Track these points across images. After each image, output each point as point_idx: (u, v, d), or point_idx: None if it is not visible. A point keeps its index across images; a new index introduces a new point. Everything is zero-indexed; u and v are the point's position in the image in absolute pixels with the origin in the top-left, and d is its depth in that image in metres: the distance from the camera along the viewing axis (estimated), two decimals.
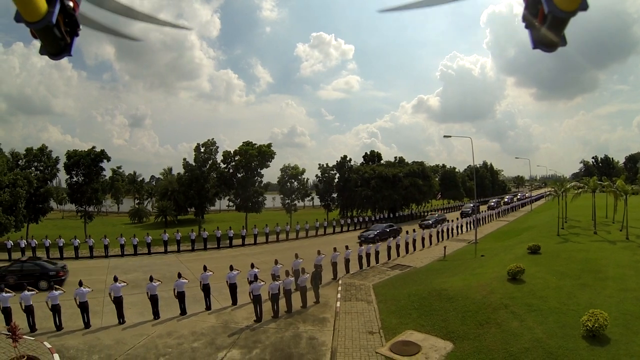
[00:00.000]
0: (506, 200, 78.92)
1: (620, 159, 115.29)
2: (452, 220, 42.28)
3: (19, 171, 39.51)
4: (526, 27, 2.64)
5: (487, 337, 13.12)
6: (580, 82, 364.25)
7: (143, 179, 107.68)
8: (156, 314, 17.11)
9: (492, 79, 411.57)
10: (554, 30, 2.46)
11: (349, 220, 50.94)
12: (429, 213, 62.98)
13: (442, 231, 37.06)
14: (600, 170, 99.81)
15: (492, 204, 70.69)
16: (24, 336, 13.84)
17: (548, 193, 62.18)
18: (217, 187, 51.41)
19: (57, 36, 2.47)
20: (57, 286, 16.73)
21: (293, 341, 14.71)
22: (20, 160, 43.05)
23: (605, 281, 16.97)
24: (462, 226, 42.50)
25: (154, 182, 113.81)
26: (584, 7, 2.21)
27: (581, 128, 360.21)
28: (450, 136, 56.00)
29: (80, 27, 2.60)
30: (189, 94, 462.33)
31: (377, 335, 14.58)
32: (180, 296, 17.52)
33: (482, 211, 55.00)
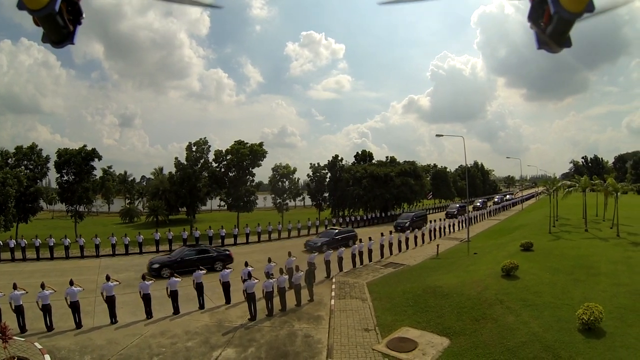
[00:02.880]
0: (478, 204, 64.89)
1: (609, 159, 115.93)
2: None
3: (8, 170, 38.94)
4: (531, 27, 2.64)
5: (484, 333, 13.12)
6: (570, 83, 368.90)
7: (134, 178, 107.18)
8: (149, 314, 16.92)
9: (483, 80, 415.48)
10: (559, 31, 2.47)
11: (340, 220, 50.86)
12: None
13: (435, 230, 37.16)
14: (590, 170, 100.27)
15: (453, 210, 57.39)
16: (14, 337, 13.61)
17: (540, 192, 62.01)
18: (208, 186, 51.12)
19: (60, 24, 2.48)
20: (49, 286, 16.48)
21: (288, 339, 14.61)
22: (10, 159, 42.46)
23: (598, 276, 17.09)
24: (453, 225, 42.62)
25: (144, 182, 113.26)
26: (591, 8, 2.23)
27: (571, 129, 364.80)
28: (442, 135, 56.35)
29: (84, 15, 2.60)
30: (179, 94, 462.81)
31: (373, 333, 14.52)
32: (173, 295, 17.34)
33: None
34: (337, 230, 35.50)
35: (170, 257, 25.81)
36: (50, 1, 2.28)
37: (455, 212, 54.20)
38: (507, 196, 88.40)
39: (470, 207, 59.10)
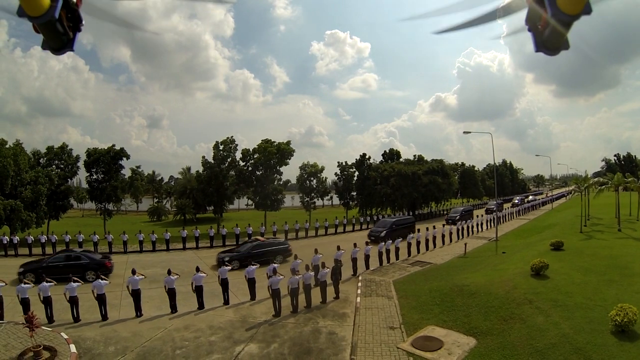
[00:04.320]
0: (491, 207, 55.12)
1: None
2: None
3: (40, 169, 40.11)
4: (529, 29, 2.68)
5: (512, 333, 12.76)
6: (601, 77, 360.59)
7: (162, 178, 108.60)
8: (174, 308, 17.06)
9: (511, 76, 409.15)
10: (557, 33, 2.49)
11: (368, 218, 50.55)
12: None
13: (462, 228, 36.45)
14: (623, 168, 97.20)
15: (455, 215, 48.26)
16: (42, 327, 13.87)
17: (571, 191, 60.29)
18: (236, 185, 51.31)
19: (59, 31, 2.54)
20: (75, 278, 16.70)
21: (312, 336, 14.49)
22: (42, 159, 43.68)
23: (632, 277, 16.52)
24: (482, 224, 41.71)
25: (172, 182, 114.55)
26: (588, 11, 2.23)
27: (603, 125, 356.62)
28: (470, 132, 54.95)
29: (83, 22, 2.64)
30: (206, 95, 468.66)
31: (398, 331, 14.30)
32: (198, 290, 17.43)
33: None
34: (257, 243, 28.53)
35: (39, 262, 23.32)
36: (50, 8, 2.31)
37: (457, 217, 45.59)
38: (530, 197, 78.95)
39: (482, 211, 55.33)
